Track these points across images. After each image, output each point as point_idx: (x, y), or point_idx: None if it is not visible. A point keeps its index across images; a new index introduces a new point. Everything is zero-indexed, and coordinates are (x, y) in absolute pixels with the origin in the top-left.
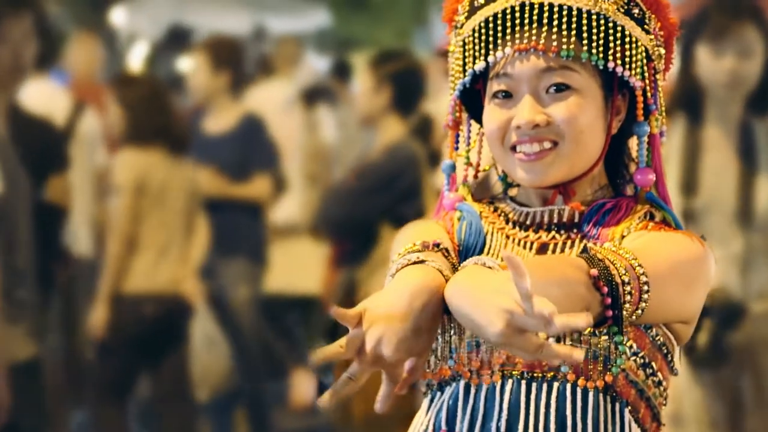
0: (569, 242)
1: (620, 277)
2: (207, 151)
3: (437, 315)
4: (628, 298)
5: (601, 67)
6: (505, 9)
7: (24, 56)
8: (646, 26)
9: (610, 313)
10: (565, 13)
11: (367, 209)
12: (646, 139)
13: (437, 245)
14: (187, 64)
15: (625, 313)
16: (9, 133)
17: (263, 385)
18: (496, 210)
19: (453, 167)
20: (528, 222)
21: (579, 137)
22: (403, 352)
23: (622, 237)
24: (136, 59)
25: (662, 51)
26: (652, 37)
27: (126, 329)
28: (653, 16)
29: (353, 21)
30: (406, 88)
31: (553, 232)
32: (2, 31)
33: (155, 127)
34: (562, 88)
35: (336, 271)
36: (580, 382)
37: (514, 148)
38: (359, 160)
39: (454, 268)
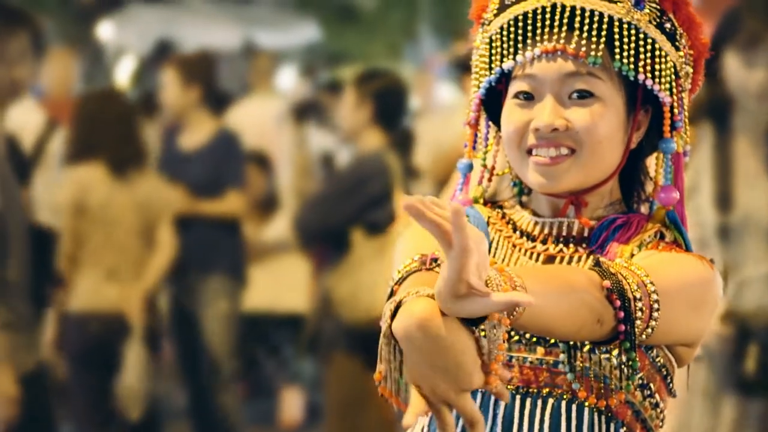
0: (576, 256)
1: (632, 292)
2: (180, 168)
3: None
4: (639, 314)
5: (631, 78)
6: (536, 9)
7: (21, 74)
8: (677, 43)
9: (623, 327)
10: (596, 19)
11: (337, 214)
12: (671, 156)
13: (435, 261)
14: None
15: (636, 329)
16: None
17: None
18: (504, 217)
19: (470, 167)
20: (536, 232)
21: (597, 147)
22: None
23: (632, 255)
24: (123, 74)
25: (690, 70)
26: (682, 54)
27: (69, 348)
28: (685, 33)
29: (343, 36)
30: (387, 105)
31: (561, 245)
32: None
33: (94, 144)
34: (585, 95)
35: (316, 282)
36: (580, 397)
37: (530, 152)
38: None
39: None
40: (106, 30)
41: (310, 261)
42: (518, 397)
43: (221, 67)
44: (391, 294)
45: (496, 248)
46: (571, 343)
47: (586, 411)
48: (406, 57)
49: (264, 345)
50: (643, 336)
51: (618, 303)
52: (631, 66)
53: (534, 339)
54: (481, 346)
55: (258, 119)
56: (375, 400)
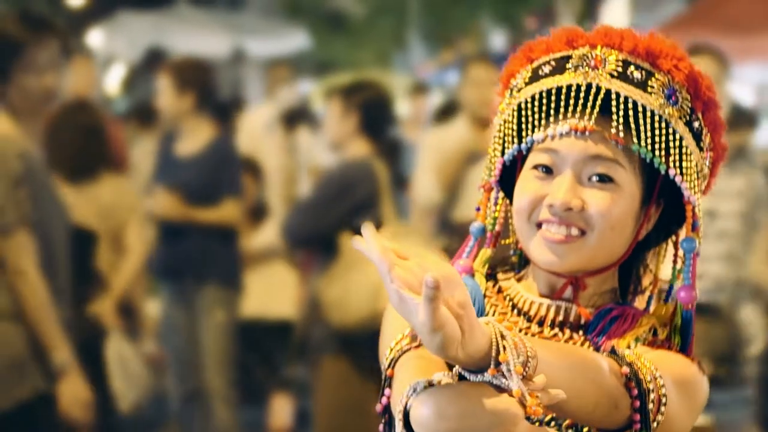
0: (572, 342)
1: (646, 383)
2: (176, 174)
3: None
4: (651, 406)
5: (662, 172)
6: (571, 85)
7: (52, 82)
8: (701, 143)
9: (638, 416)
10: (630, 106)
11: (325, 219)
12: (692, 255)
13: None
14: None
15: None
16: None
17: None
18: (500, 291)
19: (483, 231)
20: (533, 312)
21: (608, 233)
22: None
23: (627, 348)
24: (113, 81)
25: (707, 172)
26: (704, 155)
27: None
28: (709, 134)
29: (333, 44)
30: (373, 114)
31: (556, 329)
32: (28, 58)
33: (53, 154)
34: (605, 180)
35: (304, 287)
36: None
37: (539, 225)
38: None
39: None
40: (95, 38)
41: (297, 266)
42: None
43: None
44: (386, 379)
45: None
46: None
47: None
48: (395, 65)
49: (254, 351)
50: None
51: (635, 391)
52: (663, 159)
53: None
54: (500, 386)
55: (248, 126)
56: (363, 404)
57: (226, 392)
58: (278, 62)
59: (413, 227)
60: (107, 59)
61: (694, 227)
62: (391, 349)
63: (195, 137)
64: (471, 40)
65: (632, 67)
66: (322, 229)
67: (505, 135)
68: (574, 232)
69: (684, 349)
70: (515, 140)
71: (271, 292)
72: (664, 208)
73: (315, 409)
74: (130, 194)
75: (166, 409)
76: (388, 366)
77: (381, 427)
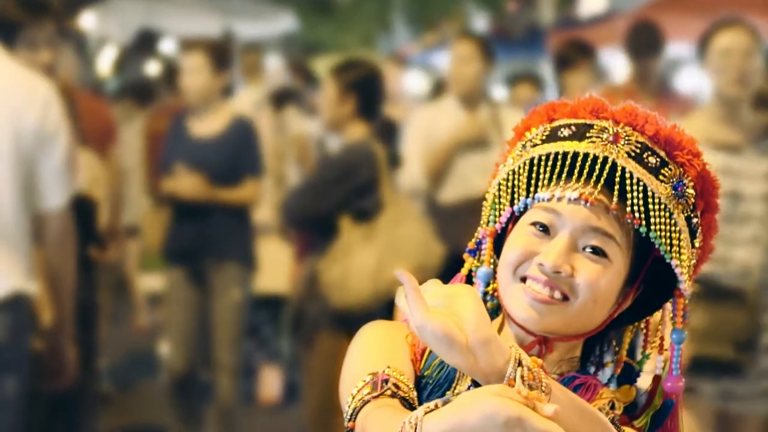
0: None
1: None
2: (197, 155)
3: None
4: None
5: (667, 260)
6: (588, 154)
7: (48, 59)
8: (694, 240)
9: None
10: (640, 188)
11: (326, 201)
12: (681, 346)
13: (386, 381)
14: (154, 67)
15: None
16: None
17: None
18: None
19: (492, 275)
20: None
21: (590, 304)
22: None
23: None
24: (105, 63)
25: (693, 262)
26: (694, 252)
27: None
28: (702, 234)
29: (319, 26)
30: (369, 95)
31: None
32: (27, 37)
33: None
34: (598, 252)
35: (300, 265)
36: None
37: (524, 279)
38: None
39: (405, 402)
40: (88, 20)
41: (294, 245)
42: None
43: None
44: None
45: (458, 380)
46: None
47: None
48: (379, 47)
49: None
50: None
51: None
52: (668, 249)
53: None
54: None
55: (237, 106)
56: None
57: (235, 367)
58: (252, 47)
59: (412, 209)
60: (100, 41)
61: (683, 319)
62: (353, 397)
63: (215, 118)
64: (454, 22)
65: (649, 152)
66: (322, 211)
67: (515, 186)
68: (557, 295)
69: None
70: (523, 193)
71: (262, 268)
72: (642, 294)
73: (305, 383)
74: (96, 168)
75: (158, 380)
76: (350, 418)
77: None
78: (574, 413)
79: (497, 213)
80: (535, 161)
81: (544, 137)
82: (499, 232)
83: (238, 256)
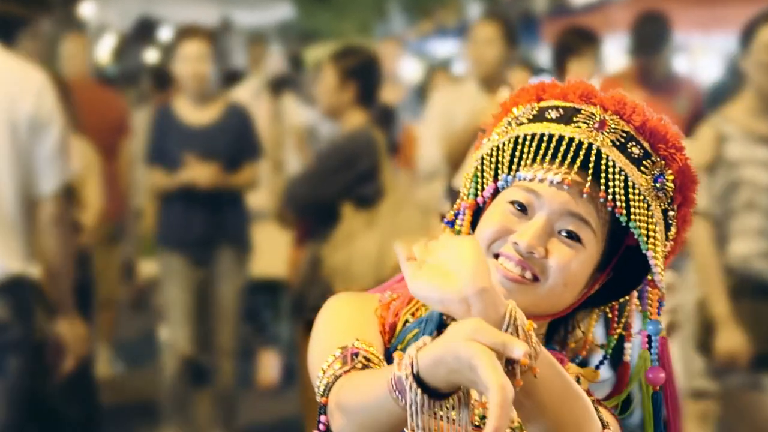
0: None
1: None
2: (198, 144)
3: None
4: None
5: (644, 251)
6: (573, 139)
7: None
8: (668, 233)
9: None
10: (622, 178)
11: (328, 188)
12: (657, 338)
13: (355, 355)
14: (153, 55)
15: None
16: None
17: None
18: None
19: None
20: None
21: (560, 287)
22: None
23: None
24: (104, 50)
25: (665, 253)
26: (666, 244)
27: None
28: (676, 230)
29: (316, 14)
30: (369, 82)
31: None
32: (31, 29)
33: None
34: (573, 237)
35: (301, 250)
36: None
37: (496, 256)
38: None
39: None
40: (88, 8)
41: (294, 231)
42: None
43: None
44: (321, 407)
45: None
46: None
47: None
48: (376, 34)
49: (242, 309)
50: None
51: None
52: (645, 239)
53: None
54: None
55: (236, 94)
56: None
57: (233, 349)
58: (258, 38)
59: (411, 196)
60: (99, 29)
61: (659, 311)
62: (323, 372)
63: (209, 106)
64: (449, 10)
65: (633, 143)
66: (324, 198)
67: (498, 162)
68: (528, 275)
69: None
70: (505, 170)
71: (260, 252)
72: (610, 279)
73: (303, 367)
74: (89, 155)
75: (158, 365)
76: (323, 394)
77: None
78: (557, 382)
79: (478, 186)
80: (520, 140)
81: (531, 116)
82: (480, 205)
83: (236, 240)
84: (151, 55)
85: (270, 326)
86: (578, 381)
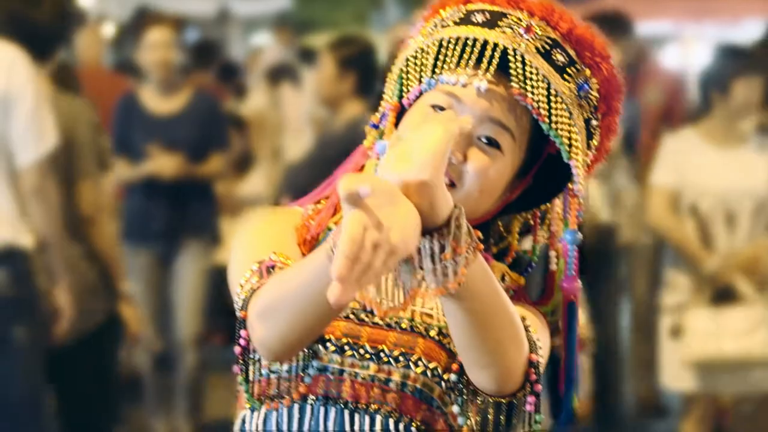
0: None
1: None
2: (163, 134)
3: None
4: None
5: (565, 160)
6: (497, 44)
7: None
8: (590, 142)
9: (533, 399)
10: (545, 85)
11: (327, 177)
12: (575, 247)
13: (271, 268)
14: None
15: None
16: None
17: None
18: None
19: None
20: None
21: (476, 194)
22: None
23: None
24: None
25: (587, 161)
26: (588, 153)
27: None
28: (600, 137)
29: (313, 4)
30: (368, 72)
31: None
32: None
33: None
34: (492, 144)
35: None
36: (406, 416)
37: None
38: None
39: None
40: None
41: None
42: (347, 412)
43: (196, 33)
44: (240, 322)
45: None
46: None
47: (414, 430)
48: (372, 25)
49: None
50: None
51: (534, 377)
52: (567, 148)
53: (367, 355)
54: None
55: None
56: None
57: (197, 337)
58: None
59: None
60: (98, 18)
61: (578, 219)
62: (242, 287)
63: (174, 95)
64: None
65: (558, 50)
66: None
67: (422, 64)
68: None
69: (571, 345)
70: (428, 73)
71: None
72: (530, 186)
73: None
74: (76, 109)
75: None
76: (241, 308)
77: (236, 368)
78: (492, 296)
79: (402, 88)
80: (444, 43)
81: (457, 19)
82: (405, 107)
83: (201, 231)
84: None
85: None
86: (503, 278)
